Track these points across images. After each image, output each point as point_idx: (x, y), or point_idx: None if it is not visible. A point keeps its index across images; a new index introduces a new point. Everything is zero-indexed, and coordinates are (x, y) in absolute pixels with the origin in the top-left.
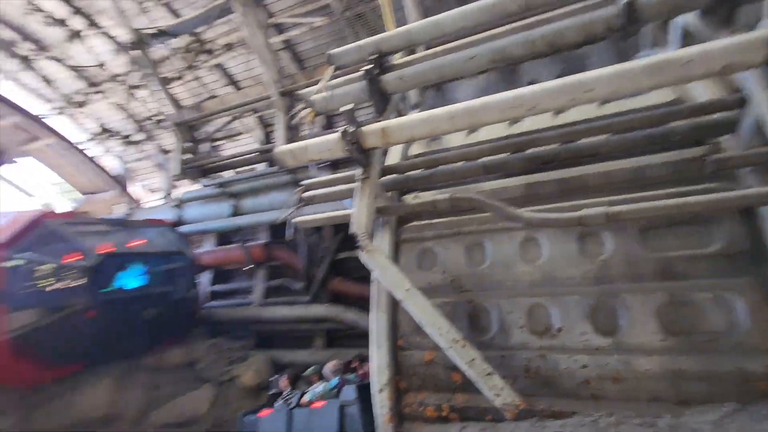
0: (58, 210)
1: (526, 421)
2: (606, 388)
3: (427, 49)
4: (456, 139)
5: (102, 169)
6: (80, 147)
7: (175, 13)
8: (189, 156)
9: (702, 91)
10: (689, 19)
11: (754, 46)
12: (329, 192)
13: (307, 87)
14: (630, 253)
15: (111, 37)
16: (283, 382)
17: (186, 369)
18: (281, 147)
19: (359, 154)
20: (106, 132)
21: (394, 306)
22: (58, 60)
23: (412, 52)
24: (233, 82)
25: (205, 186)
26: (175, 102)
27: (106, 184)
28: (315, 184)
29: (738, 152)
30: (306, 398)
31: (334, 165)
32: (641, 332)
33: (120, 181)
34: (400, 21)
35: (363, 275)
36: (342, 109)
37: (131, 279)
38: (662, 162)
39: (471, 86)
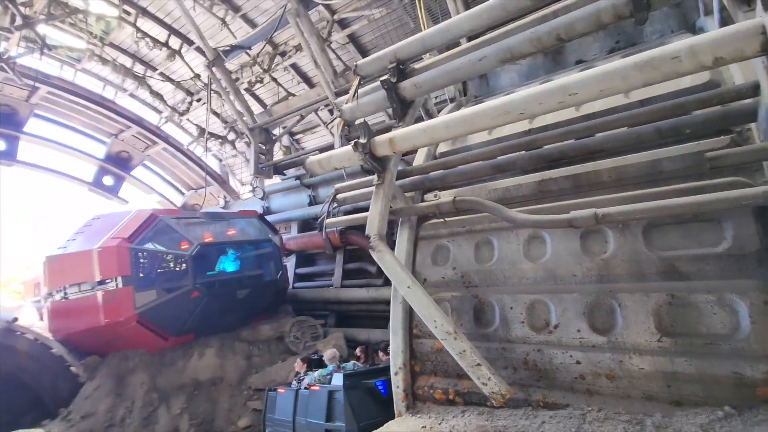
0: (169, 207)
1: (520, 410)
2: (600, 384)
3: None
4: (479, 137)
5: (204, 166)
6: (186, 149)
7: (252, 23)
8: (262, 157)
9: (735, 73)
10: None
11: (748, 36)
12: (359, 193)
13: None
14: (633, 252)
15: (202, 52)
16: (299, 365)
17: (275, 342)
18: (311, 157)
19: (373, 162)
20: (206, 134)
21: None
22: (164, 76)
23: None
24: (306, 79)
25: (282, 180)
26: (248, 109)
27: (209, 179)
28: (346, 187)
29: (735, 149)
30: (306, 381)
31: None
32: (636, 332)
33: (219, 177)
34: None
35: None
36: (357, 122)
37: (228, 264)
38: (678, 155)
39: (514, 71)
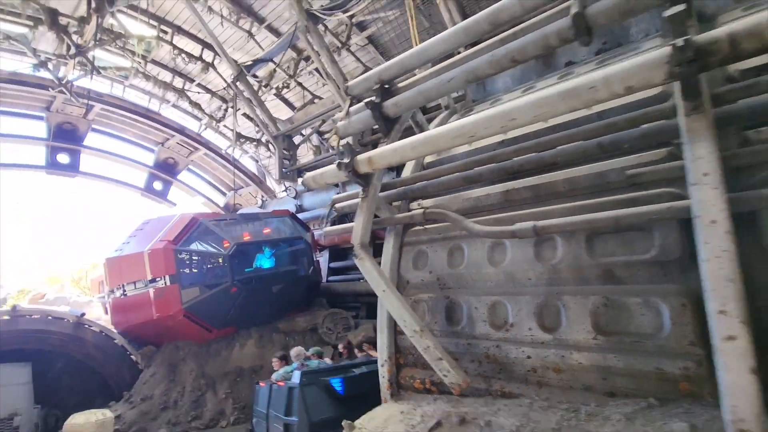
0: (213, 207)
1: (482, 398)
2: (548, 376)
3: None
4: (462, 147)
5: (235, 169)
6: (224, 153)
7: (276, 32)
8: (286, 162)
9: None
10: None
11: (655, 66)
12: (354, 203)
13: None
14: (576, 258)
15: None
16: (276, 362)
17: (310, 333)
18: (307, 174)
19: (357, 179)
20: (241, 138)
21: None
22: (201, 86)
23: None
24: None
25: None
26: (271, 118)
27: (246, 180)
28: (343, 198)
29: (650, 167)
30: (273, 377)
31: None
32: (577, 331)
33: (256, 177)
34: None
35: None
36: (341, 143)
37: (264, 261)
38: (621, 167)
39: (508, 75)
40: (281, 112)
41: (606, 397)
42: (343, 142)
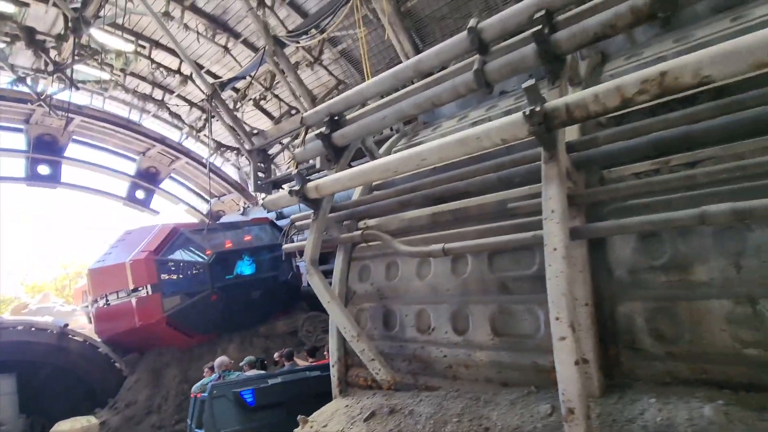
0: (196, 214)
1: (410, 392)
2: (460, 372)
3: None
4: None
5: (224, 176)
6: (205, 161)
7: (252, 46)
8: (261, 174)
9: None
10: None
11: (518, 125)
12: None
13: None
14: (481, 273)
15: (211, 74)
16: (206, 372)
17: (290, 336)
18: (267, 198)
19: (308, 203)
20: (221, 147)
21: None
22: (180, 97)
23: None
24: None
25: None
26: (245, 133)
27: (228, 188)
28: (301, 217)
29: (525, 201)
30: (194, 388)
31: None
32: (480, 333)
33: (238, 185)
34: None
35: None
36: (293, 172)
37: (244, 268)
38: (515, 197)
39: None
40: (260, 121)
41: (501, 386)
42: (294, 172)
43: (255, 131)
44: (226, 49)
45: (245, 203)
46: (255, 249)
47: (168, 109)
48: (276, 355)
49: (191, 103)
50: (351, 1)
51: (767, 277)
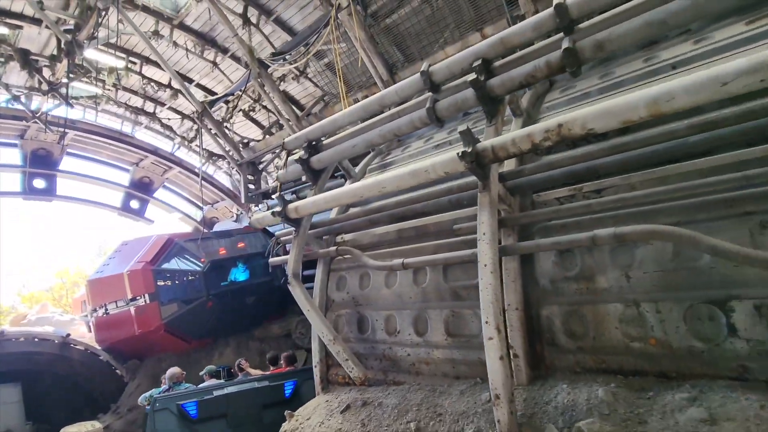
0: (191, 222)
1: (380, 387)
2: (422, 368)
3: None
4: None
5: (217, 184)
6: (198, 170)
7: (239, 60)
8: (251, 186)
9: None
10: None
11: (455, 162)
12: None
13: None
14: (437, 282)
15: (201, 87)
16: (164, 381)
17: (284, 339)
18: (254, 216)
19: (289, 222)
20: (213, 156)
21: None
22: (172, 109)
23: None
24: (294, 102)
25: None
26: (235, 146)
27: (221, 196)
28: (285, 233)
29: (468, 223)
30: (140, 400)
31: None
32: (436, 334)
33: (231, 192)
34: None
35: None
36: (275, 195)
37: (239, 274)
38: (463, 216)
39: None
40: (251, 130)
41: (454, 379)
42: (276, 196)
43: (245, 140)
44: (214, 64)
45: (238, 210)
46: (248, 256)
47: (160, 121)
48: (242, 361)
49: (183, 115)
50: (330, 23)
51: (647, 285)
